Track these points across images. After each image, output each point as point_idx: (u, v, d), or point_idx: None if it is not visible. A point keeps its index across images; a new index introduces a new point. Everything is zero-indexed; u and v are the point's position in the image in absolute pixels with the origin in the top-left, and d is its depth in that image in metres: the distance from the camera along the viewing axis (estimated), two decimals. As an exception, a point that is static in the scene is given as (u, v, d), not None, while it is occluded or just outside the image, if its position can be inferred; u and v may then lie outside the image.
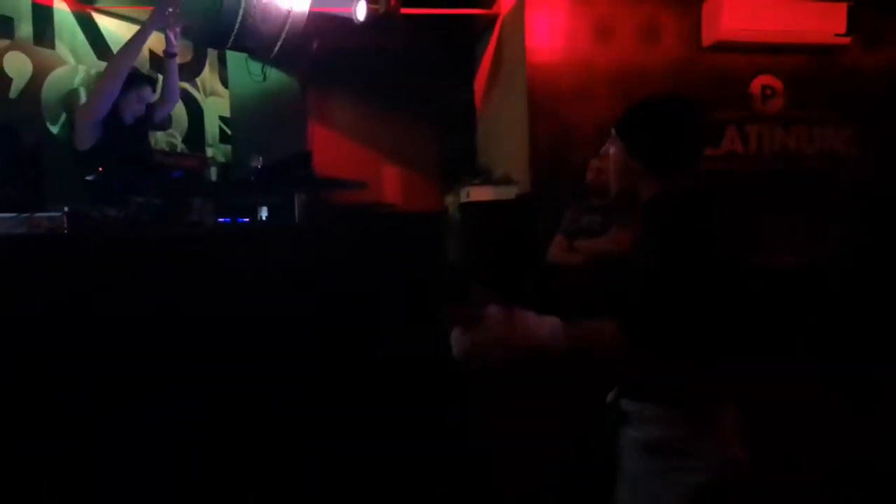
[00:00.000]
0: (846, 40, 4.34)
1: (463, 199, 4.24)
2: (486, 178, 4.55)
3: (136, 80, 3.26)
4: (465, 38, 5.01)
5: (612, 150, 1.57)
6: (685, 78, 4.33)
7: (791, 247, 3.84)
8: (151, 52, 4.32)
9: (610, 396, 1.58)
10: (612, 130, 1.58)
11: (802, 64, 4.46)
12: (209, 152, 4.60)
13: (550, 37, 4.21)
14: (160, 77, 3.65)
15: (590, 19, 4.26)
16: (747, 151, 4.41)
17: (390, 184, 5.88)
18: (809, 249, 2.99)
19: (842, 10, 4.29)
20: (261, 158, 3.15)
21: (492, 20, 4.76)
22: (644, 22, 4.34)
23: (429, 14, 4.51)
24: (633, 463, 1.47)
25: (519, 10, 4.25)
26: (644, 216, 1.48)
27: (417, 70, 5.24)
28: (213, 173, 3.64)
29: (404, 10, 4.00)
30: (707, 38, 4.27)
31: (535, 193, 4.05)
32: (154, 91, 3.45)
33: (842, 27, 4.30)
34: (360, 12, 3.95)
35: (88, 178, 2.82)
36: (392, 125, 5.81)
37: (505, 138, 4.72)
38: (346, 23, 4.06)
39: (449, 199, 4.61)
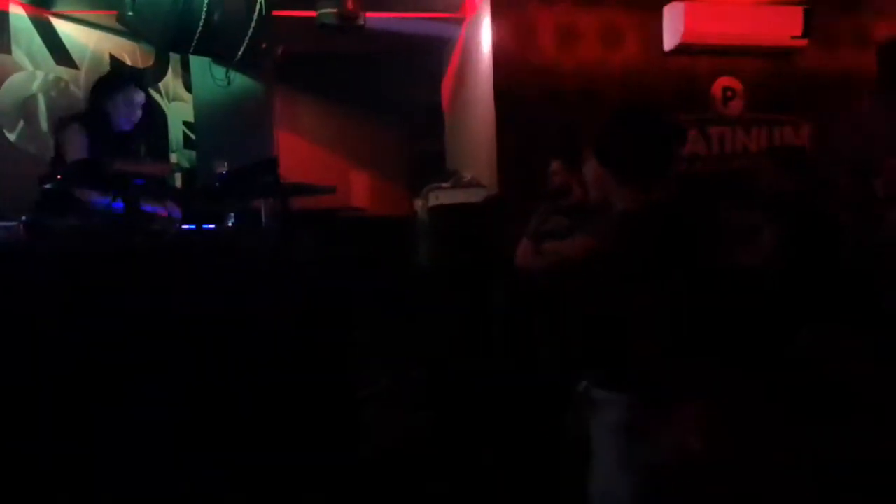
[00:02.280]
0: (802, 42, 4.45)
1: (431, 202, 4.23)
2: (455, 182, 4.56)
3: (119, 82, 3.13)
4: (431, 42, 5.01)
5: (586, 166, 1.64)
6: (648, 81, 4.39)
7: (753, 246, 3.92)
8: (112, 57, 4.25)
9: (581, 386, 1.68)
10: (587, 149, 1.67)
11: (761, 66, 4.56)
12: (173, 158, 4.53)
13: (516, 41, 4.24)
14: None
15: (554, 23, 4.30)
16: (710, 153, 4.49)
17: (358, 188, 5.87)
18: (770, 248, 3.06)
19: (798, 13, 4.40)
20: (226, 164, 3.11)
21: (457, 24, 4.78)
22: (607, 26, 4.40)
23: (394, 18, 4.52)
24: (600, 446, 1.57)
25: (484, 15, 4.28)
26: (626, 227, 1.54)
27: (384, 74, 5.25)
28: (178, 179, 3.59)
29: (369, 15, 3.98)
30: (669, 42, 4.34)
31: (502, 196, 4.07)
32: (144, 90, 3.27)
33: (798, 30, 4.41)
34: (328, 16, 3.94)
35: (46, 186, 2.76)
36: (360, 129, 5.81)
37: (472, 141, 4.74)
38: (312, 27, 4.04)
39: (417, 203, 4.61)
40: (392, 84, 5.40)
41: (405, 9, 4.56)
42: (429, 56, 5.21)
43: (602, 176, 1.62)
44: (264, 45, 3.88)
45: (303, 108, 5.66)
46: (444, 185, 4.44)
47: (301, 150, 5.45)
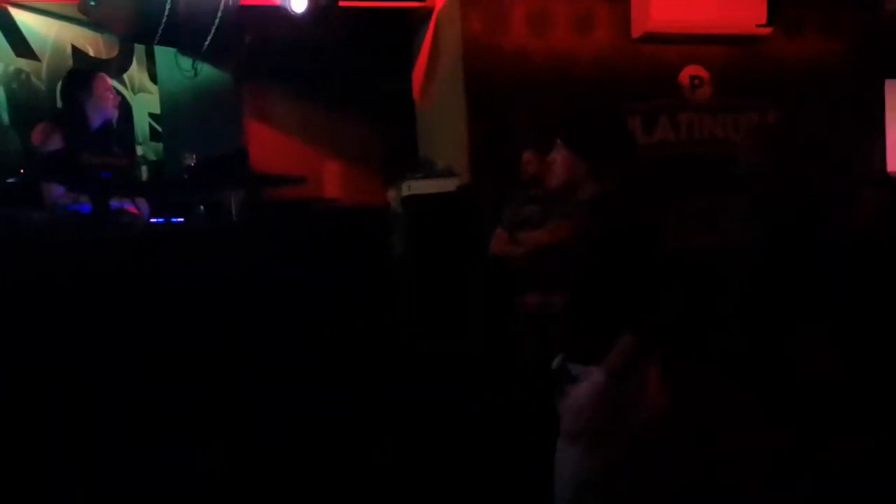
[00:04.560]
0: (767, 30, 4.51)
1: (404, 192, 4.23)
2: (428, 171, 4.55)
3: (83, 76, 3.03)
4: (402, 30, 4.98)
5: (557, 156, 1.73)
6: (618, 68, 4.43)
7: (721, 228, 3.98)
8: (74, 48, 4.16)
9: (556, 362, 1.77)
10: (558, 140, 1.76)
11: (728, 54, 4.62)
12: (139, 151, 4.45)
13: (486, 29, 4.23)
14: None
15: (525, 11, 4.30)
16: (678, 139, 4.55)
17: (331, 179, 5.82)
18: (738, 230, 3.13)
19: (762, 2, 4.46)
20: (194, 156, 3.07)
21: (428, 12, 4.76)
22: (577, 14, 4.41)
23: (365, 7, 4.48)
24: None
25: (454, 3, 4.26)
26: (590, 211, 1.63)
27: (356, 63, 5.20)
28: (144, 172, 3.53)
29: (342, 3, 3.95)
30: (636, 30, 4.37)
31: (475, 185, 4.08)
32: (112, 77, 3.17)
33: (763, 18, 4.47)
34: (297, 4, 3.89)
35: (10, 180, 2.70)
36: (332, 119, 5.75)
37: (444, 131, 4.73)
38: (281, 16, 3.99)
39: (391, 193, 4.60)
40: (364, 73, 5.36)
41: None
42: (399, 44, 5.18)
43: (571, 163, 1.69)
44: (236, 35, 3.83)
45: (274, 99, 5.59)
46: (417, 174, 4.44)
47: (272, 141, 5.38)
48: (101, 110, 2.99)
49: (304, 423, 2.63)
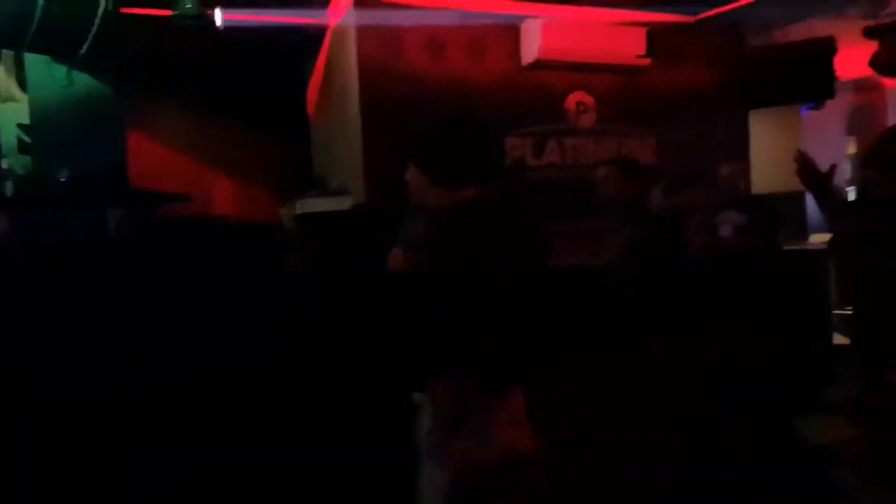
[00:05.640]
0: (646, 61, 4.82)
1: (297, 210, 4.15)
2: (322, 189, 4.50)
3: None
4: (295, 45, 4.92)
5: (409, 172, 1.68)
6: (510, 92, 4.57)
7: (606, 249, 4.19)
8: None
9: (416, 396, 1.69)
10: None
11: (611, 82, 4.89)
12: (4, 164, 4.11)
13: (382, 49, 4.26)
14: None
15: (419, 34, 4.37)
16: (565, 162, 4.75)
17: (222, 196, 5.63)
18: (618, 251, 3.31)
19: (642, 34, 4.76)
20: (67, 171, 2.88)
21: (322, 29, 4.73)
22: (470, 40, 4.53)
23: (255, 20, 4.40)
24: (430, 450, 1.60)
25: (349, 21, 4.26)
26: (435, 226, 1.58)
27: (248, 77, 5.07)
28: (10, 187, 3.27)
29: (227, 17, 3.84)
30: (526, 57, 4.55)
31: (371, 204, 4.07)
32: None
33: (642, 49, 4.77)
34: (180, 16, 3.75)
35: None
36: (223, 134, 5.57)
37: (339, 148, 4.70)
38: (167, 26, 3.84)
39: (283, 211, 4.50)
40: (257, 87, 5.24)
41: (267, 12, 4.44)
42: (294, 59, 5.12)
43: (419, 180, 1.68)
44: (117, 44, 3.64)
45: (160, 112, 5.34)
46: (311, 192, 4.37)
47: (157, 156, 5.15)
48: None
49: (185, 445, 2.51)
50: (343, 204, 4.09)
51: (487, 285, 1.50)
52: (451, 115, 1.76)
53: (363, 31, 4.18)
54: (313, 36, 4.82)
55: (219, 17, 3.79)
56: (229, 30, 4.13)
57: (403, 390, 1.74)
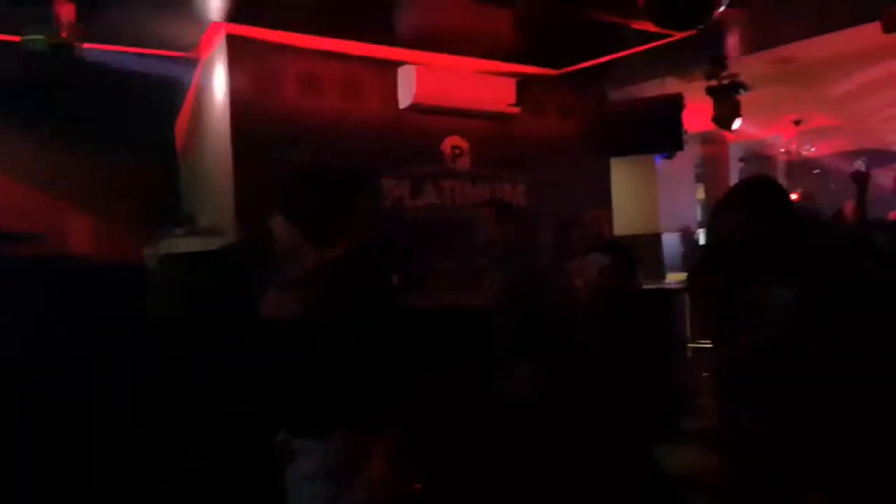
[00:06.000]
0: (516, 110, 5.07)
1: (162, 250, 3.94)
2: (190, 228, 4.30)
3: None
4: (164, 78, 4.72)
5: (275, 224, 1.67)
6: (388, 134, 4.64)
7: (480, 289, 4.30)
8: None
9: (280, 436, 1.67)
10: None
11: (484, 128, 5.09)
12: None
13: (255, 85, 4.18)
14: None
15: (296, 71, 4.34)
16: (443, 202, 4.86)
17: (80, 234, 5.24)
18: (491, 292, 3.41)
19: (512, 84, 5.02)
20: None
21: (194, 61, 4.59)
22: (347, 80, 4.56)
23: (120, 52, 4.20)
24: (300, 495, 1.57)
25: (221, 56, 4.16)
26: (308, 283, 1.58)
27: (111, 108, 4.81)
28: None
29: (87, 46, 3.63)
30: (403, 101, 4.64)
31: (242, 244, 3.93)
32: None
33: (512, 98, 5.02)
34: (31, 42, 3.49)
35: None
36: (83, 169, 5.21)
37: (209, 186, 4.54)
38: (13, 52, 3.57)
39: (147, 251, 4.25)
40: (121, 120, 4.97)
41: (134, 43, 4.26)
42: (162, 93, 4.91)
43: (286, 231, 1.69)
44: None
45: (6, 145, 4.92)
46: (178, 231, 4.17)
47: (6, 191, 4.73)
48: None
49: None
50: (212, 244, 3.92)
51: (351, 334, 1.51)
52: (321, 172, 1.75)
53: (235, 68, 4.09)
54: (183, 68, 4.66)
55: (76, 46, 3.56)
56: (93, 59, 3.91)
57: (270, 433, 1.70)
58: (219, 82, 4.24)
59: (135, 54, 4.33)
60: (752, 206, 2.05)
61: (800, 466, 2.07)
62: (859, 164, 4.28)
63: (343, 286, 1.57)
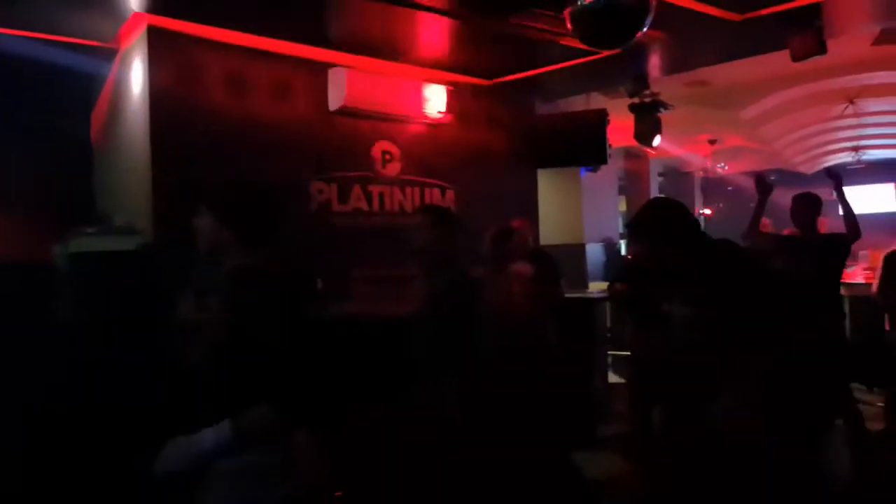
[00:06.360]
0: (447, 118, 5.10)
1: (72, 249, 3.73)
2: (104, 227, 4.10)
3: None
4: (79, 67, 4.49)
5: (201, 221, 1.67)
6: (317, 137, 4.57)
7: (407, 296, 4.29)
8: None
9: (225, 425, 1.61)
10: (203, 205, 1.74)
11: (415, 134, 5.09)
12: None
13: (177, 80, 4.01)
14: None
15: (222, 69, 4.20)
16: (371, 209, 4.82)
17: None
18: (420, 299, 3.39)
19: (443, 92, 5.05)
20: None
21: (112, 52, 4.38)
22: (277, 80, 4.46)
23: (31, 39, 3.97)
24: (219, 491, 1.54)
25: (141, 48, 3.98)
26: (230, 283, 1.57)
27: (20, 97, 4.53)
28: None
29: (8, 31, 3.41)
30: (333, 103, 4.58)
31: (159, 245, 3.78)
32: None
33: (443, 106, 5.05)
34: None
35: None
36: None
37: (126, 183, 4.34)
38: None
39: (57, 249, 4.02)
40: (32, 111, 4.69)
41: (48, 30, 4.03)
42: (76, 84, 4.66)
43: (214, 230, 1.71)
44: None
45: None
46: (91, 229, 3.96)
47: None
48: None
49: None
50: (128, 244, 3.75)
51: (266, 337, 1.50)
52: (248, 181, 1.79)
53: (156, 61, 3.92)
54: (100, 59, 4.45)
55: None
56: (2, 45, 3.69)
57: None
58: (138, 76, 4.06)
59: (48, 42, 4.10)
60: (656, 229, 2.20)
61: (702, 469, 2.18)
62: (766, 174, 4.52)
63: (257, 289, 1.56)
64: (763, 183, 4.21)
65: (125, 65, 4.28)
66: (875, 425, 4.34)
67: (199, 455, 1.46)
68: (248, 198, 1.72)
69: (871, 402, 4.96)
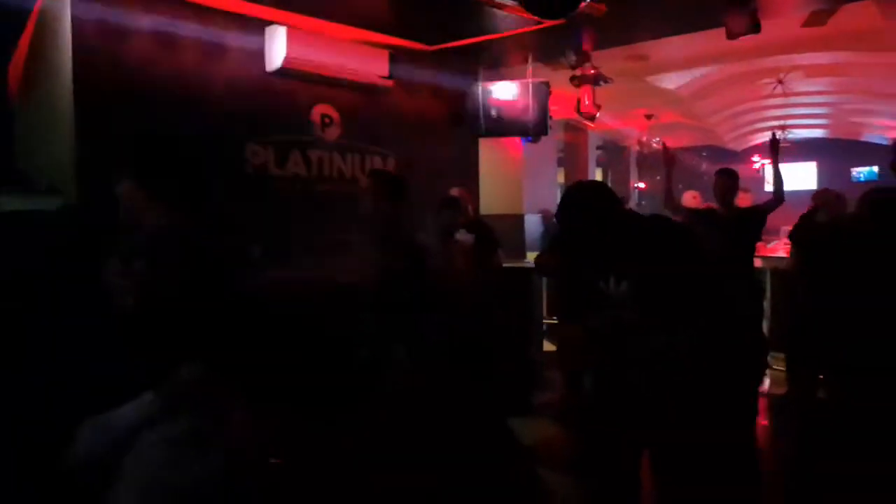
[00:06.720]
0: (389, 83, 5.02)
1: (-10, 208, 3.52)
2: (24, 186, 3.88)
3: None
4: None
5: (122, 184, 1.61)
6: (253, 98, 4.41)
7: (347, 264, 4.24)
8: None
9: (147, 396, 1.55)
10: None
11: (355, 98, 4.99)
12: None
13: (101, 35, 3.79)
14: None
15: (149, 24, 3.99)
16: (309, 174, 4.72)
17: None
18: (363, 267, 3.35)
19: (385, 56, 4.96)
20: None
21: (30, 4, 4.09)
22: (210, 39, 4.26)
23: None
24: (151, 459, 1.46)
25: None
26: (149, 244, 1.51)
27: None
28: None
29: None
30: (270, 63, 4.43)
31: (82, 206, 3.61)
32: None
33: (385, 71, 4.96)
34: None
35: None
36: None
37: (48, 141, 4.09)
38: None
39: (-27, 210, 3.79)
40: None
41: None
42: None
43: (132, 192, 1.67)
44: None
45: None
46: (9, 188, 3.74)
47: None
48: None
49: None
50: (49, 205, 3.57)
51: (196, 301, 1.45)
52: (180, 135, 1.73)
53: (81, 13, 3.70)
54: (17, 11, 4.15)
55: None
56: None
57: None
58: (62, 28, 3.81)
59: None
60: (583, 209, 2.27)
61: (633, 432, 2.27)
62: (660, 144, 4.83)
63: (176, 250, 1.50)
64: (667, 155, 4.61)
65: (46, 14, 4.00)
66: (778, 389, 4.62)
67: (119, 432, 1.40)
68: (161, 154, 1.67)
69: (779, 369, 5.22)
